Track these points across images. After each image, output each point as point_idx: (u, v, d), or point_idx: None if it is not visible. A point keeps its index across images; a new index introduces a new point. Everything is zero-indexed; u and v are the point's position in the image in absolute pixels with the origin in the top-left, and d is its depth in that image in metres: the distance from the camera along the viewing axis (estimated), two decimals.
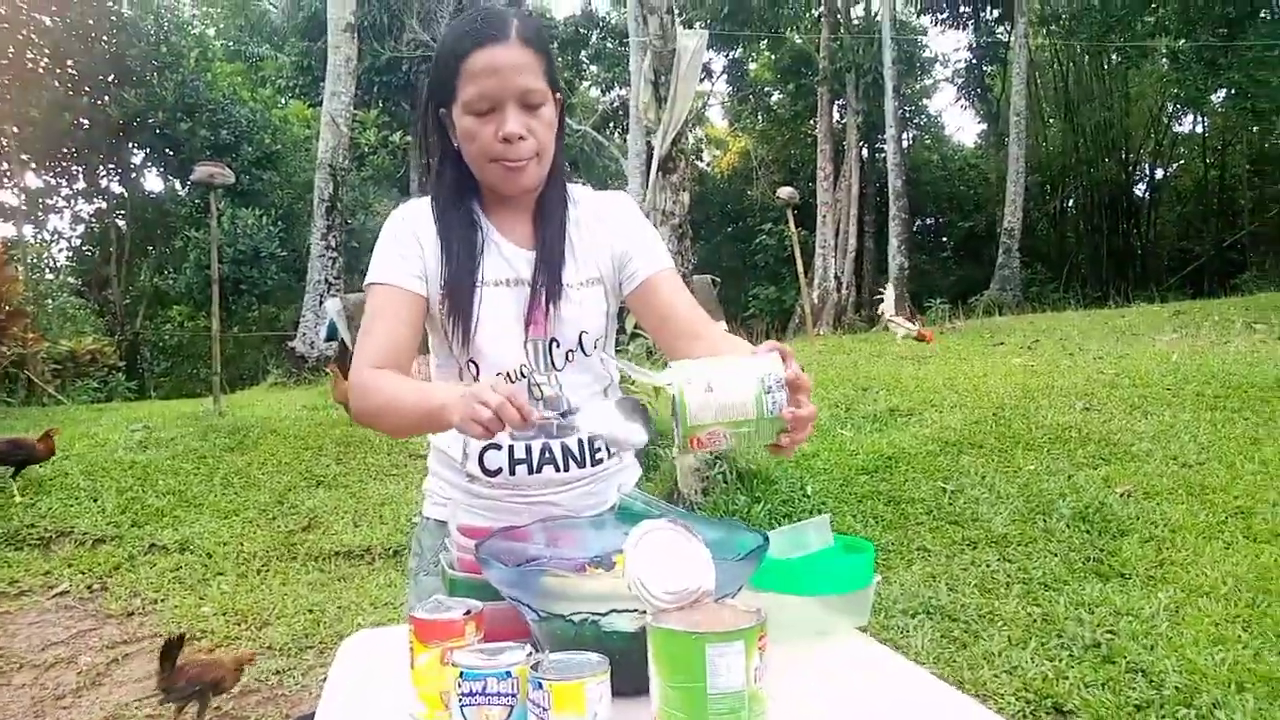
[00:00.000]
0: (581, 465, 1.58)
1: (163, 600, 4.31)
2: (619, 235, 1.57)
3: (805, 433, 1.19)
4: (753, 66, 27.66)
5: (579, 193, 1.61)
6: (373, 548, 4.83)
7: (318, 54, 16.51)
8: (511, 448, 1.54)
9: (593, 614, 1.11)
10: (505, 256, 1.52)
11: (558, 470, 1.56)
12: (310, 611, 4.06)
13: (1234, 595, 3.45)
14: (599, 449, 1.60)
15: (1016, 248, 18.16)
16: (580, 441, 1.57)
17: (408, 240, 1.51)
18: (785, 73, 24.95)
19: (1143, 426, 5.46)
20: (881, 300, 10.73)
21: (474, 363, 1.52)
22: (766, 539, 1.23)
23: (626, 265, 1.55)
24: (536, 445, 1.54)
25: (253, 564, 4.71)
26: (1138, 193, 27.05)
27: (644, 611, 1.07)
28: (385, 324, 1.48)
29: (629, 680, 1.03)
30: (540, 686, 0.98)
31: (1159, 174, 27.29)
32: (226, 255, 14.38)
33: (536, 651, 1.12)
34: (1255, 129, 24.18)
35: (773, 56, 25.88)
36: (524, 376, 1.52)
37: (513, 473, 1.55)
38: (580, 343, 1.54)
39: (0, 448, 5.47)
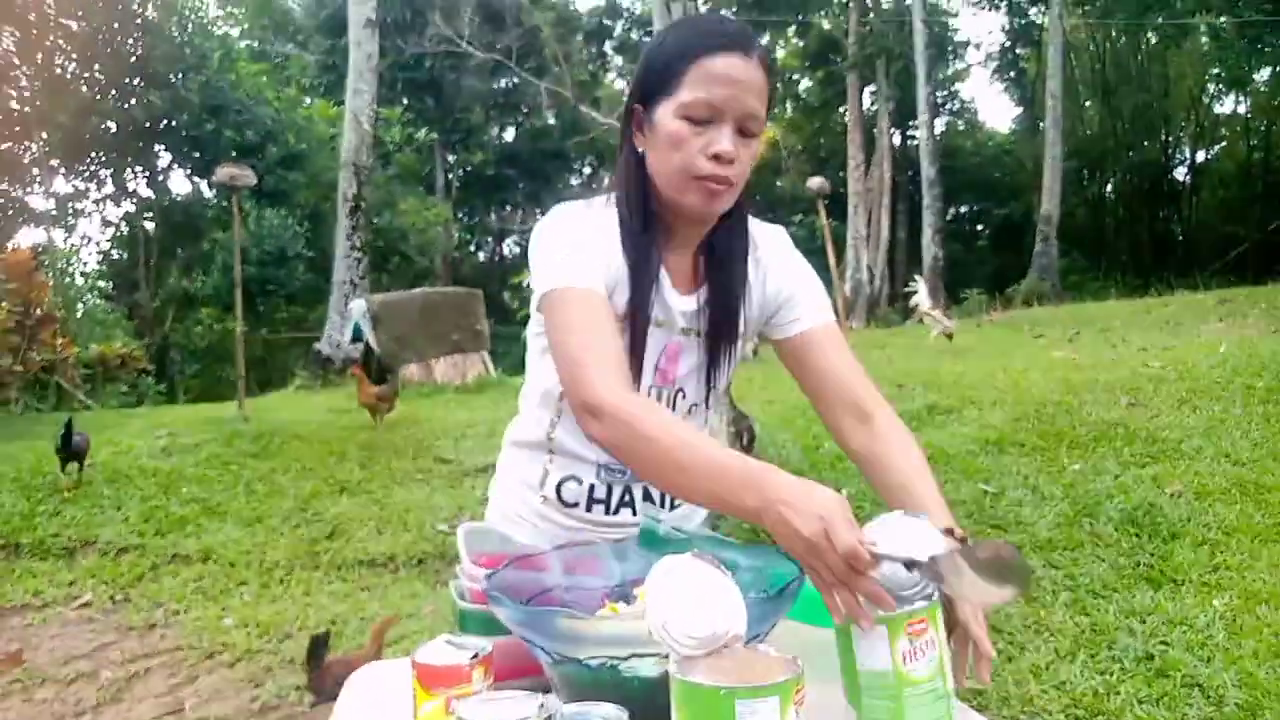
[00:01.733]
0: (660, 508, 1.47)
1: (184, 612, 4.25)
2: (778, 277, 1.42)
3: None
4: (780, 53, 27.41)
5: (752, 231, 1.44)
6: (396, 556, 4.74)
7: (341, 52, 16.53)
8: (592, 486, 1.44)
9: (612, 659, 0.99)
10: (664, 296, 1.36)
11: (634, 514, 1.45)
12: (333, 623, 3.97)
13: None
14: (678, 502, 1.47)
15: (1054, 235, 17.81)
16: (645, 489, 1.46)
17: (604, 251, 1.32)
18: (813, 59, 24.75)
19: (1192, 422, 5.25)
20: (914, 293, 10.52)
21: None
22: (801, 572, 1.10)
23: (781, 310, 1.40)
24: (618, 486, 1.44)
25: (275, 573, 4.63)
26: (1178, 176, 26.54)
27: (667, 656, 0.95)
28: (602, 333, 1.22)
29: None
30: None
31: (1200, 157, 26.75)
32: (252, 256, 14.43)
33: (550, 692, 1.03)
34: None
35: (800, 43, 25.64)
36: None
37: (589, 510, 1.45)
38: (706, 397, 1.44)
39: (82, 441, 5.58)
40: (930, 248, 17.62)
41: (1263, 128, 25.04)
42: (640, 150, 1.32)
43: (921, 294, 10.13)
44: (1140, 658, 2.99)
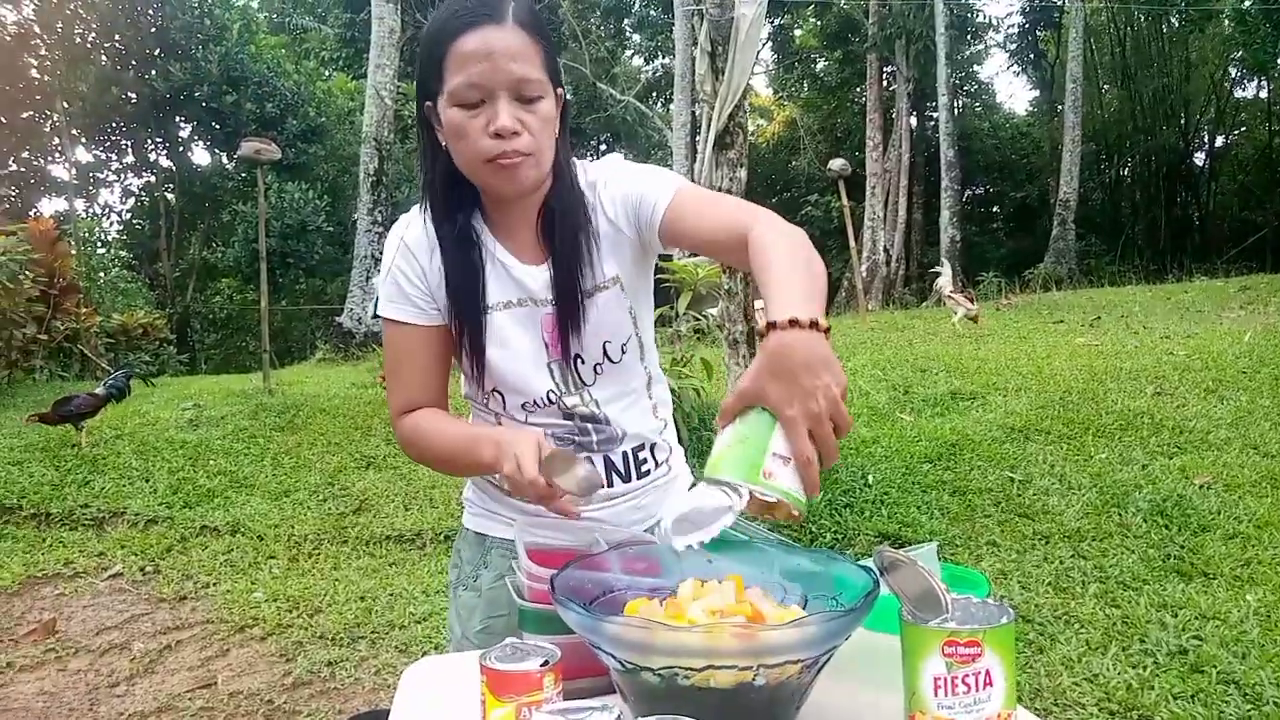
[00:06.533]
0: (626, 479, 1.45)
1: (214, 584, 4.29)
2: (615, 197, 1.38)
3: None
4: (798, 33, 27.14)
5: (580, 180, 1.41)
6: (424, 532, 4.77)
7: (361, 25, 16.45)
8: None
9: (685, 669, 0.98)
10: (513, 275, 1.36)
11: (601, 486, 1.43)
12: (362, 599, 4.01)
13: None
14: (645, 460, 1.47)
15: (1072, 219, 17.65)
16: (625, 454, 1.45)
17: (408, 264, 1.37)
18: (832, 39, 24.38)
19: (1219, 412, 5.22)
20: (938, 275, 10.46)
21: (499, 392, 1.40)
22: (877, 581, 1.09)
23: (639, 212, 1.36)
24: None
25: (304, 547, 4.68)
26: (1197, 161, 26.23)
27: (745, 668, 0.96)
28: (408, 364, 1.38)
29: None
30: None
31: (1219, 142, 26.42)
32: (273, 229, 14.47)
33: (615, 695, 1.02)
34: None
35: (819, 23, 25.34)
36: (550, 403, 1.40)
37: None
38: (605, 352, 1.40)
39: (86, 403, 5.83)
40: (948, 230, 17.48)
41: None
42: (444, 144, 1.32)
43: (945, 277, 10.07)
44: (1174, 652, 2.99)
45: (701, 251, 1.40)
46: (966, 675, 0.99)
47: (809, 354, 0.96)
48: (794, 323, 0.97)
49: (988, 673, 0.99)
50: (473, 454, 1.29)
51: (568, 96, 1.38)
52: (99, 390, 6.11)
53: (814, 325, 0.98)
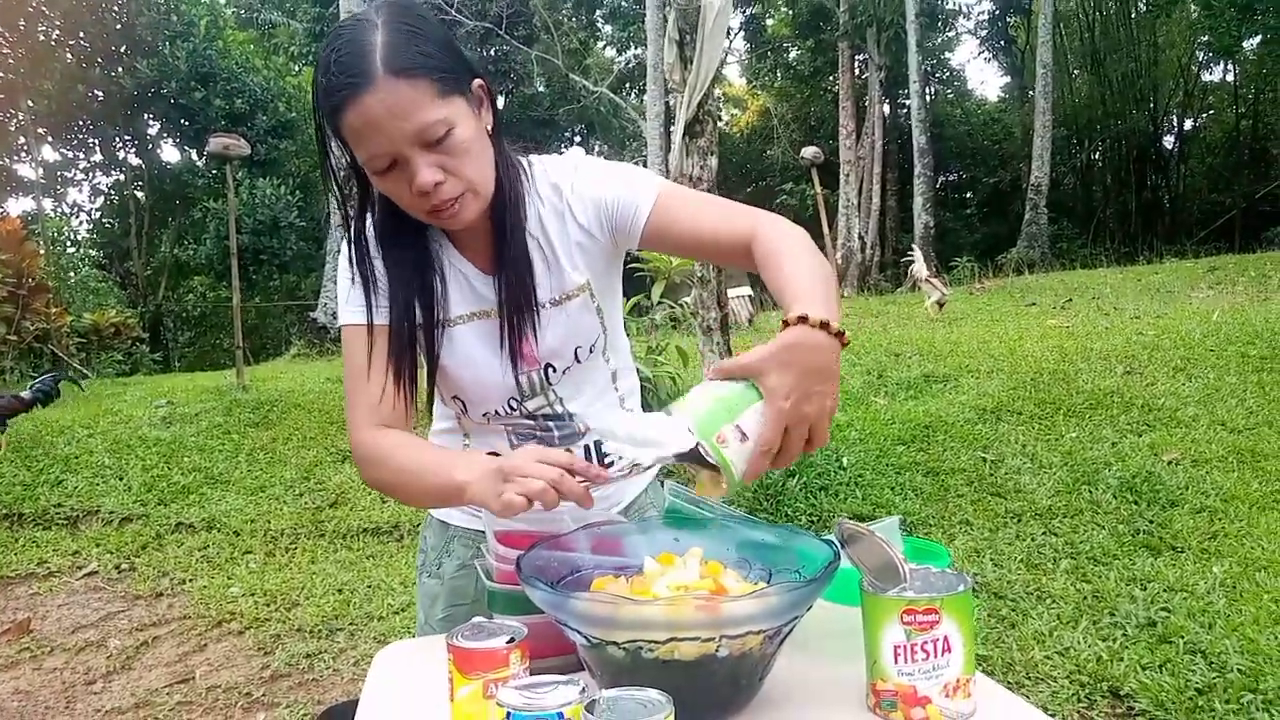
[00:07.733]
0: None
1: (191, 580, 4.28)
2: (586, 200, 1.32)
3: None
4: (770, 22, 27.15)
5: (540, 182, 1.34)
6: (400, 524, 4.78)
7: (330, 20, 16.31)
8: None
9: (649, 642, 1.00)
10: (474, 286, 1.33)
11: None
12: (339, 591, 4.01)
13: None
14: (607, 453, 1.46)
15: (1044, 203, 17.80)
16: (586, 448, 1.43)
17: (371, 277, 1.32)
18: (804, 28, 24.42)
19: (1187, 390, 5.30)
20: (911, 262, 10.54)
21: (459, 399, 1.39)
22: (837, 553, 1.10)
23: (618, 216, 1.31)
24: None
25: (280, 542, 4.66)
26: (1166, 144, 26.50)
27: (708, 639, 0.97)
28: (376, 368, 1.28)
29: (689, 712, 0.93)
30: None
31: (1188, 125, 26.71)
32: (245, 225, 14.35)
33: (584, 670, 1.03)
34: None
35: (790, 12, 25.37)
36: (512, 410, 1.39)
37: None
38: (576, 356, 1.38)
39: (8, 406, 5.82)
40: (921, 216, 17.58)
41: (1251, 95, 25.01)
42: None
43: (919, 262, 10.14)
44: (1142, 624, 3.04)
45: (686, 255, 1.38)
46: (925, 642, 1.01)
47: (825, 360, 1.01)
48: (824, 325, 1.00)
49: (946, 639, 1.01)
50: (444, 472, 1.20)
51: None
52: (25, 394, 6.02)
53: (840, 336, 1.02)
